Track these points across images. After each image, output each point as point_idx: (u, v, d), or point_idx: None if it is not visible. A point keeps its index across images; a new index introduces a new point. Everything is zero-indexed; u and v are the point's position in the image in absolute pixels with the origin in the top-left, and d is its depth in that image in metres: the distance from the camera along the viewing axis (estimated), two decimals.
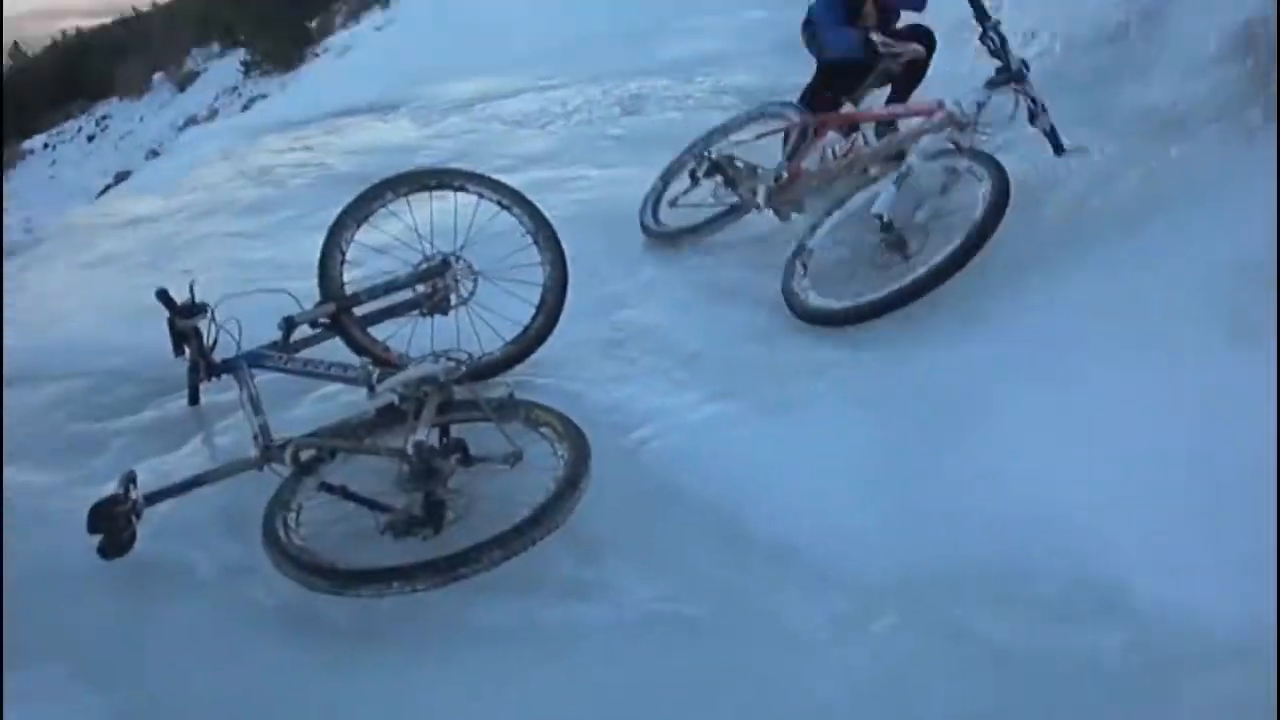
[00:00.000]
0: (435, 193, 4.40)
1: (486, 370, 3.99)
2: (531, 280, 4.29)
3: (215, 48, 48.53)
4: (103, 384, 4.53)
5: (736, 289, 4.84)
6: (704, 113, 7.45)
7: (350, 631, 3.00)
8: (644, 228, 5.53)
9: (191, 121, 36.33)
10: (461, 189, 4.41)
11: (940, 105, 4.95)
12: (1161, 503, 2.93)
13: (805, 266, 4.61)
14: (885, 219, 4.53)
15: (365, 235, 4.39)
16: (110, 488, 3.44)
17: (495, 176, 4.58)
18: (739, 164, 5.36)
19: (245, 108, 15.96)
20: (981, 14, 4.84)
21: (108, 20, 70.40)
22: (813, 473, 3.41)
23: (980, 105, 4.83)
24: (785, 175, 5.21)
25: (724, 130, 5.79)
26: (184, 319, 3.91)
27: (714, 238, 5.34)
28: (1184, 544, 2.81)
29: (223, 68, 44.33)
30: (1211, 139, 4.41)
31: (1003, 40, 4.81)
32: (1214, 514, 2.85)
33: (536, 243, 4.36)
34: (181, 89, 45.65)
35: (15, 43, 50.59)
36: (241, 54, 41.12)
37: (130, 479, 3.41)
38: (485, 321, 4.16)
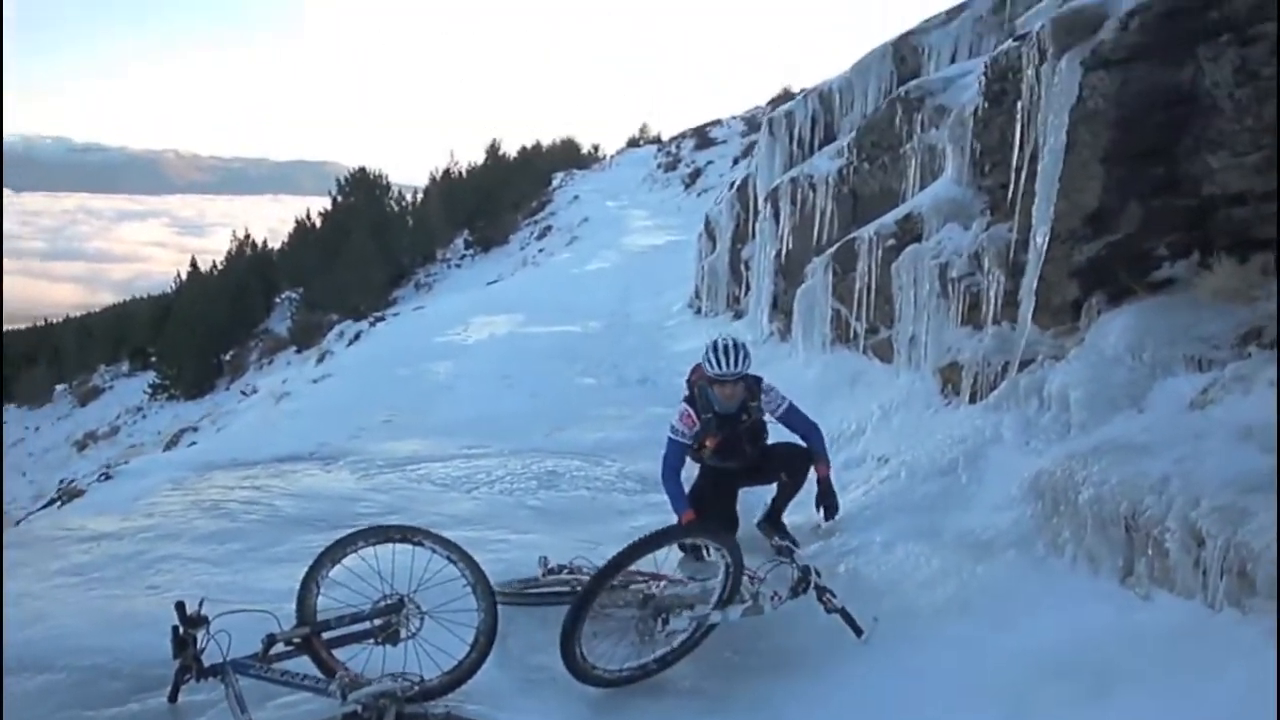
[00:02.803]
0: (397, 544, 5.45)
1: (428, 694, 4.89)
2: (466, 623, 5.27)
3: (124, 367, 49.72)
4: (87, 678, 5.29)
5: None
6: (610, 494, 8.67)
7: None
8: None
9: (90, 438, 36.95)
10: (419, 544, 5.45)
11: None
12: None
13: None
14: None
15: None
16: None
17: (446, 536, 5.61)
18: None
19: (172, 442, 16.78)
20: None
21: (21, 326, 71.39)
22: None
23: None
24: None
25: None
26: (190, 628, 4.82)
27: None
28: None
29: (129, 387, 45.38)
30: (1009, 561, 5.71)
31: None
32: None
33: (474, 593, 5.37)
34: (83, 404, 46.41)
35: None
36: (150, 376, 42.33)
37: None
38: (426, 653, 5.11)
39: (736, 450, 6.94)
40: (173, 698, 5.08)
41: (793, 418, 6.93)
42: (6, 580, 6.91)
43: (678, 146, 48.85)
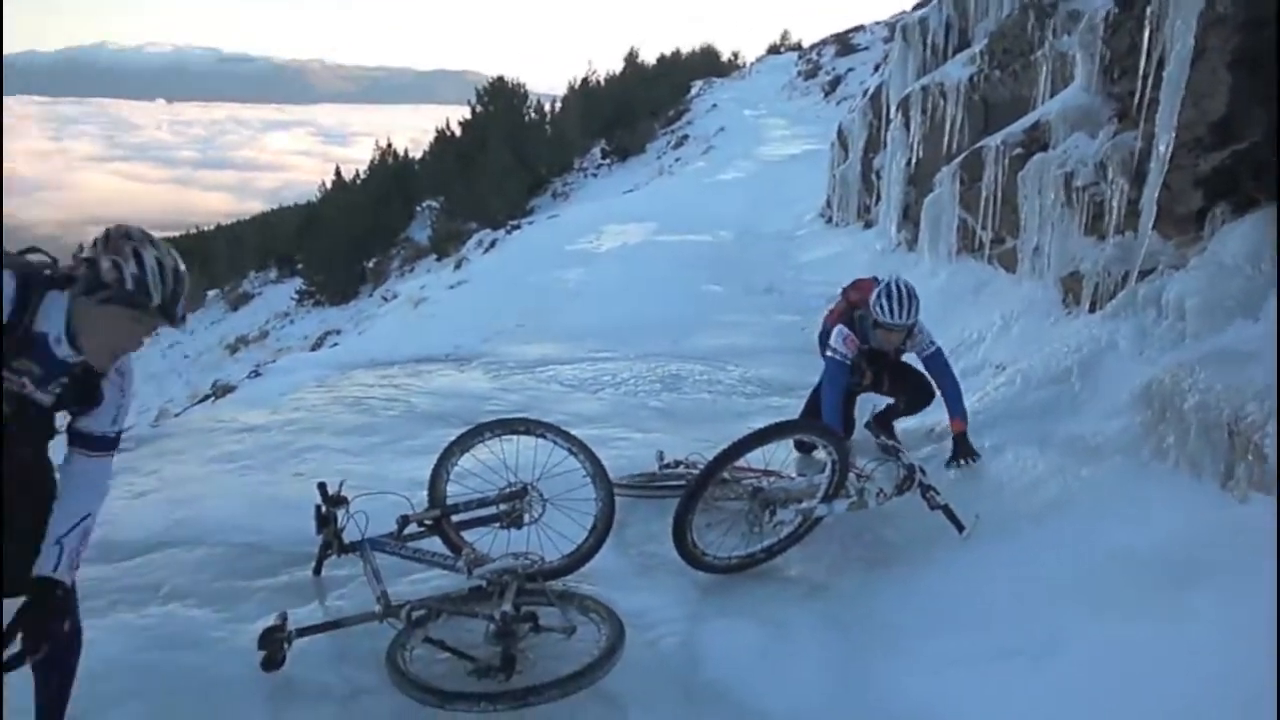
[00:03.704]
0: (521, 436, 5.79)
1: (548, 574, 5.22)
2: (585, 510, 5.60)
3: (273, 273, 51.30)
4: (242, 553, 5.81)
5: None
6: (731, 397, 8.91)
7: None
8: None
9: (241, 341, 38.37)
10: (542, 436, 5.80)
11: None
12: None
13: None
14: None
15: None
16: (264, 623, 4.72)
17: (567, 429, 5.93)
18: None
19: (317, 344, 17.52)
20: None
21: (174, 234, 74.02)
22: (787, 670, 4.69)
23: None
24: None
25: None
26: (331, 506, 5.25)
27: None
28: None
29: (277, 293, 46.87)
30: (1114, 466, 5.82)
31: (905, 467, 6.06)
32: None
33: (593, 483, 5.69)
34: (234, 308, 48.10)
35: (80, 245, 53.43)
36: (297, 283, 43.63)
37: (284, 616, 4.70)
38: (548, 537, 5.46)
39: (877, 379, 7.15)
40: (317, 571, 5.55)
41: (936, 364, 6.89)
42: (168, 464, 7.52)
43: (819, 54, 48.12)
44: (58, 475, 3.72)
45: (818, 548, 5.84)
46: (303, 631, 4.71)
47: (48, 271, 3.52)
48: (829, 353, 6.83)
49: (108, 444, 3.74)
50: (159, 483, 7.00)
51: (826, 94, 40.84)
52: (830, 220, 17.72)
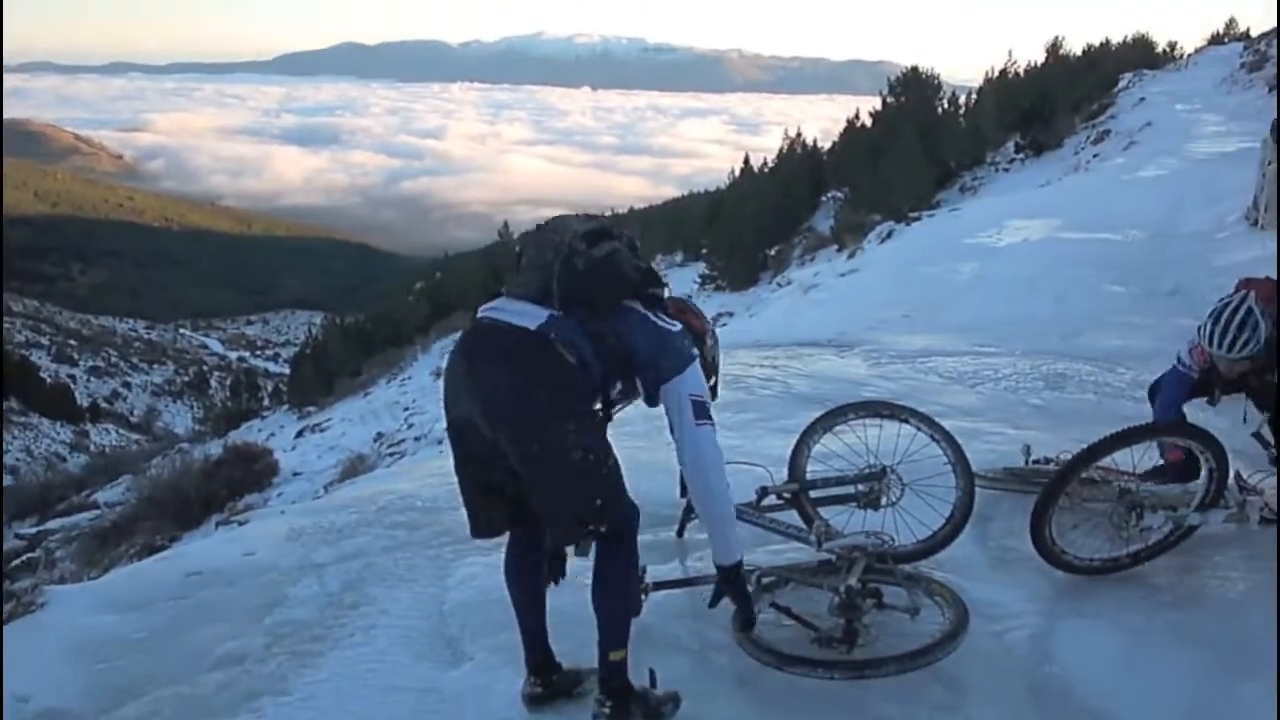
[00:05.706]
0: (885, 420, 5.86)
1: (899, 558, 5.25)
2: (945, 499, 5.60)
3: (678, 257, 53.05)
4: None
5: None
6: (1118, 400, 8.55)
7: (782, 692, 4.40)
8: None
9: None
10: (905, 421, 5.83)
11: None
12: None
13: None
14: None
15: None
16: None
17: (932, 416, 5.92)
18: None
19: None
20: None
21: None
22: (1139, 678, 4.54)
23: None
24: None
25: None
26: None
27: None
28: None
29: (681, 277, 48.46)
30: None
31: None
32: None
33: (954, 471, 5.66)
34: None
35: (505, 222, 57.57)
36: (701, 267, 44.93)
37: (644, 569, 4.99)
38: (904, 521, 5.51)
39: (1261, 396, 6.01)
40: (679, 533, 5.89)
41: None
42: None
43: (1267, 44, 44.48)
44: None
45: (1191, 558, 5.54)
46: (659, 585, 5.03)
47: None
48: (1175, 361, 6.12)
49: None
50: None
51: (1272, 88, 37.74)
52: (1256, 223, 16.46)
